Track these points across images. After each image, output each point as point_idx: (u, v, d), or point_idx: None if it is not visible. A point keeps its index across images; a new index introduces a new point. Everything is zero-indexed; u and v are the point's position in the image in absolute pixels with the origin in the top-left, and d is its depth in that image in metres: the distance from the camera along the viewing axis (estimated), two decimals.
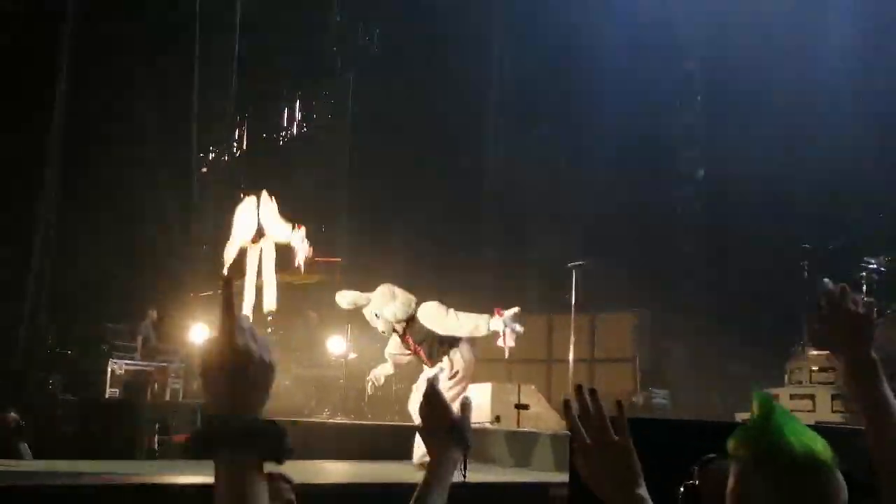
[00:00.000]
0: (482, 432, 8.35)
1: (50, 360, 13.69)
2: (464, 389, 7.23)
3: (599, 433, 1.62)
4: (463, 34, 16.85)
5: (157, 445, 8.96)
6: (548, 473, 7.11)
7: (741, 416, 9.03)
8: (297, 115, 20.21)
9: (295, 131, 20.24)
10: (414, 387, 7.67)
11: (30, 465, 7.50)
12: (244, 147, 20.18)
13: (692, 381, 13.50)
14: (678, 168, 15.93)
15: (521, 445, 8.20)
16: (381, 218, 16.92)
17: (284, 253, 8.55)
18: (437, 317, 7.29)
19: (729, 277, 14.06)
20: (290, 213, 8.74)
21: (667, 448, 2.74)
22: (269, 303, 8.25)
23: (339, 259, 14.84)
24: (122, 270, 15.42)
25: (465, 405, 1.87)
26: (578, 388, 1.69)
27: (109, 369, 12.66)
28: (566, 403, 1.69)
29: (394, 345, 7.76)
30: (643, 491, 1.60)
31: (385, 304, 7.39)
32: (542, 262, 14.70)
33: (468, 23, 16.92)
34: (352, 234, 17.32)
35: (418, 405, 1.88)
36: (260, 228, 8.37)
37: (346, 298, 7.57)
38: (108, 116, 15.59)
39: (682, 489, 2.32)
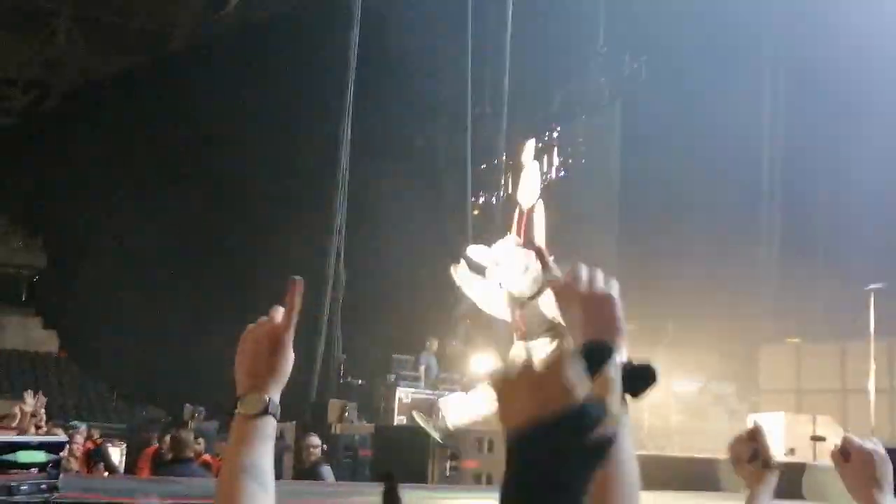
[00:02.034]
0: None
1: (344, 389, 14.60)
2: None
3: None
4: (731, 60, 16.40)
5: (448, 472, 9.31)
6: None
7: None
8: (556, 158, 20.13)
9: (556, 167, 20.18)
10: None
11: (335, 487, 7.97)
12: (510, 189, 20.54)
13: None
14: None
15: (820, 480, 7.74)
16: (652, 241, 16.67)
17: None
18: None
19: None
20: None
21: None
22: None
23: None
24: (405, 304, 16.19)
25: (757, 430, 2.07)
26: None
27: (397, 397, 13.27)
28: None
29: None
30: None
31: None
32: (832, 285, 13.87)
33: (734, 48, 16.45)
34: (622, 258, 17.13)
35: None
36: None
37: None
38: (386, 158, 16.54)
39: None
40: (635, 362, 1.37)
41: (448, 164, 17.38)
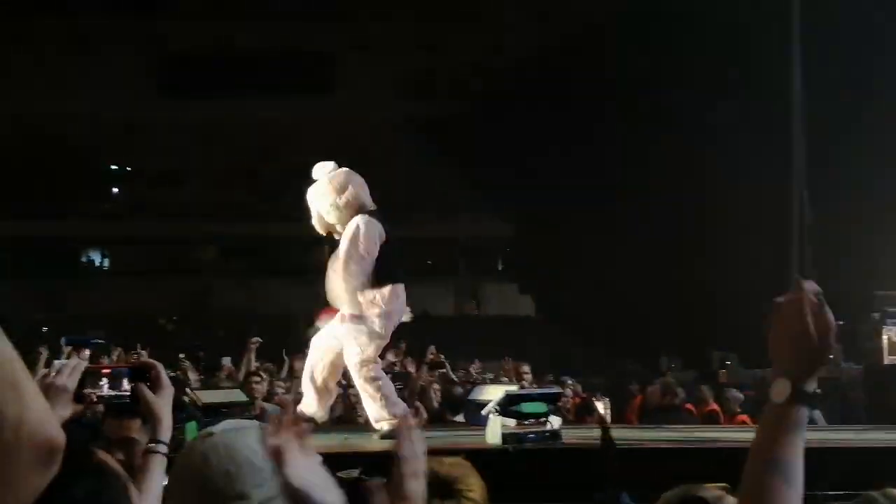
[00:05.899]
0: None
1: None
2: None
3: None
4: None
5: None
6: None
7: None
8: None
9: None
10: None
11: (827, 430, 7.70)
12: None
13: None
14: None
15: None
16: None
17: None
18: None
19: None
20: None
21: None
22: None
23: None
24: (880, 237, 15.09)
25: None
26: None
27: (885, 336, 12.36)
28: None
29: None
30: None
31: None
32: None
33: None
34: None
35: None
36: None
37: None
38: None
39: None
40: None
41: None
